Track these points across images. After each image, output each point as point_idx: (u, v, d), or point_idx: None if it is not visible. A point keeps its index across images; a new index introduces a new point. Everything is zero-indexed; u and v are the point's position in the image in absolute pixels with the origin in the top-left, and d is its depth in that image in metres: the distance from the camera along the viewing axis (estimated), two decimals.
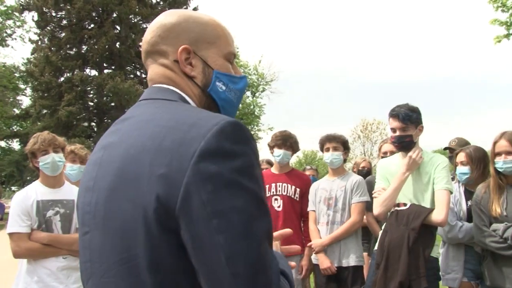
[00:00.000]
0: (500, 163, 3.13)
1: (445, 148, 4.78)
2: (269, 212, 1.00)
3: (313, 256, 4.20)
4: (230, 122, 0.97)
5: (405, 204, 3.23)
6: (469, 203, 3.57)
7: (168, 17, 1.21)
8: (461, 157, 3.68)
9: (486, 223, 3.17)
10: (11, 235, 3.05)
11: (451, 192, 3.21)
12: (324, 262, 4.05)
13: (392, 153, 4.16)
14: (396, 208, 3.25)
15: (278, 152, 4.36)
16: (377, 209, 3.31)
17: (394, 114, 3.25)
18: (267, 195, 4.36)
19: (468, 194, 3.62)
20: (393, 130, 3.29)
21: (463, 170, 3.63)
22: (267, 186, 4.37)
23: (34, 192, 3.16)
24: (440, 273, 3.73)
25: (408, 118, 3.22)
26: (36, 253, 3.05)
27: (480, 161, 3.56)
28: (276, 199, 4.33)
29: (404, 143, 3.26)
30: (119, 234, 0.99)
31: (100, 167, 1.08)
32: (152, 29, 1.21)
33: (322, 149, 4.31)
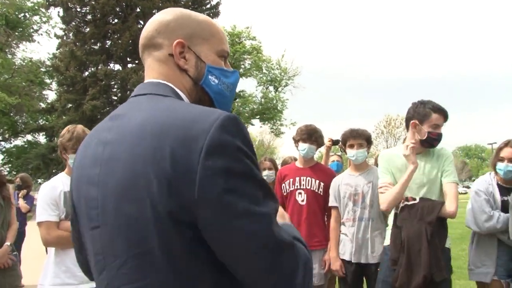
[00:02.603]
0: None
1: None
2: (272, 192, 1.10)
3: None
4: (229, 116, 1.05)
5: (414, 199, 3.23)
6: (502, 197, 3.50)
7: (165, 14, 1.28)
8: (508, 153, 3.55)
9: None
10: (40, 224, 3.08)
11: (458, 184, 3.32)
12: (335, 263, 4.06)
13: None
14: (406, 202, 3.24)
15: (303, 146, 4.34)
16: (385, 204, 3.29)
17: (442, 111, 3.25)
18: (291, 189, 4.37)
19: (502, 189, 3.56)
20: (437, 126, 3.25)
21: (511, 167, 3.52)
22: (291, 180, 4.37)
23: (61, 183, 3.19)
24: (468, 267, 3.69)
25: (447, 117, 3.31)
26: (65, 241, 3.06)
27: None
28: (300, 193, 4.31)
29: (439, 141, 3.32)
30: (131, 230, 1.05)
31: (105, 163, 1.12)
32: (149, 24, 1.28)
33: (344, 144, 4.26)
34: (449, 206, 3.16)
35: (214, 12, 26.45)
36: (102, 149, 1.14)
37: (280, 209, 1.31)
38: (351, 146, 4.14)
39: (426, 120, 3.24)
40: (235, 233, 1.00)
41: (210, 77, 1.25)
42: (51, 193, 3.13)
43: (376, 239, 3.99)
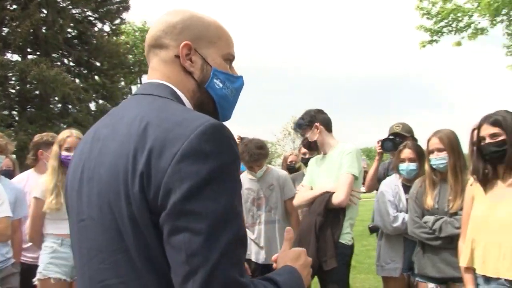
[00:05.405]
0: (433, 160, 3.32)
1: (391, 135, 4.44)
2: (240, 215, 1.02)
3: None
4: (213, 124, 1.02)
5: None
6: (406, 196, 3.72)
7: (173, 14, 1.27)
8: (408, 153, 3.75)
9: (419, 215, 3.36)
10: None
11: (355, 177, 3.44)
12: None
13: None
14: None
15: None
16: (298, 201, 3.76)
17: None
18: None
19: (405, 188, 3.78)
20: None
21: (412, 167, 3.71)
22: None
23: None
24: (377, 262, 3.90)
25: (299, 126, 3.81)
26: None
27: (424, 156, 3.64)
28: None
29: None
30: (112, 226, 1.04)
31: (97, 159, 1.13)
32: (156, 24, 1.27)
33: None
34: (335, 196, 3.38)
35: (124, 6, 25.32)
36: (97, 145, 1.15)
37: (297, 250, 1.25)
38: None
39: None
40: (178, 248, 0.94)
41: (215, 80, 1.25)
42: None
43: (279, 241, 4.05)
